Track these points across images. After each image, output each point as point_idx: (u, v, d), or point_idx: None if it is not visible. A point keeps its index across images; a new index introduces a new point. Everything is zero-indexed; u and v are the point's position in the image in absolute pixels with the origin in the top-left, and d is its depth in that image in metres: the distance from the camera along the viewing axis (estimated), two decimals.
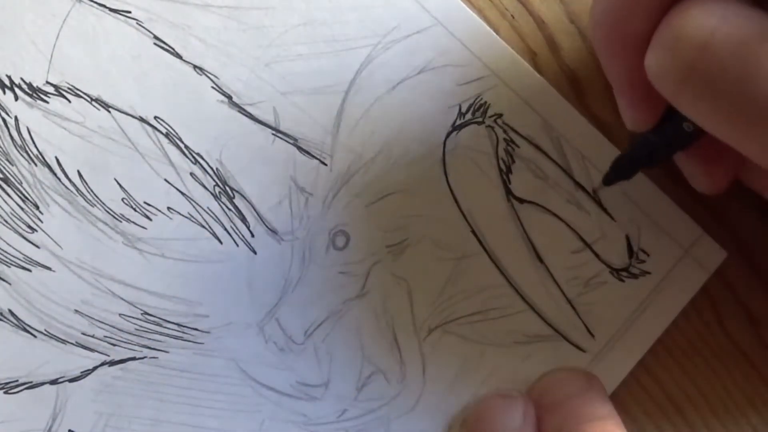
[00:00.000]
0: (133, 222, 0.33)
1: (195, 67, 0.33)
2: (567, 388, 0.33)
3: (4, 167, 0.33)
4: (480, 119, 0.34)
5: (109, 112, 0.33)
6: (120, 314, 0.33)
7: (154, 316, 0.34)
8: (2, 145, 0.33)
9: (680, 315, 0.35)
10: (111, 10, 0.33)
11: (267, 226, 0.34)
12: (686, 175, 0.33)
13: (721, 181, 0.32)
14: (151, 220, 0.33)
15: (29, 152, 0.33)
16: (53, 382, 0.33)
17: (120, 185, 0.33)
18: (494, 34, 0.34)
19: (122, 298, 0.33)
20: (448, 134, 0.34)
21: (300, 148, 0.34)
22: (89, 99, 0.33)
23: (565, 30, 0.34)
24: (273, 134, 0.34)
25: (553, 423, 0.32)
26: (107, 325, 0.33)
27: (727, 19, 0.25)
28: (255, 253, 0.34)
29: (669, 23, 0.26)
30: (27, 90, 0.33)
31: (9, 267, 0.33)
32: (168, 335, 0.34)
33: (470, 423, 0.34)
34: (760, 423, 0.35)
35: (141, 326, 0.34)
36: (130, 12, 0.33)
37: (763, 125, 0.25)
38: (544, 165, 0.34)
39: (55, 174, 0.33)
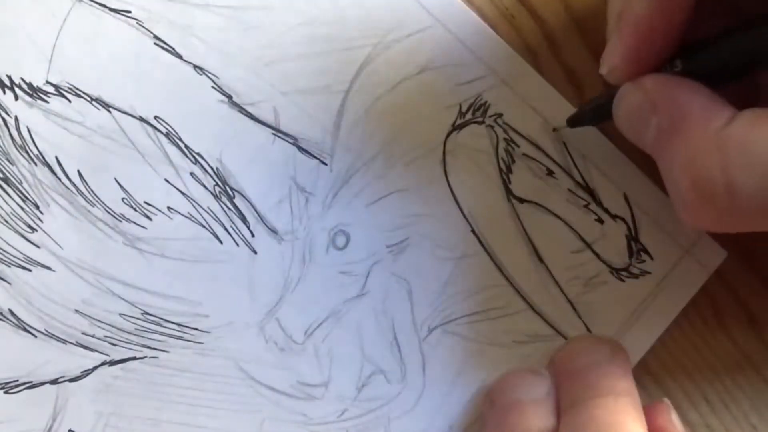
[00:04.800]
0: (133, 222, 0.33)
1: (195, 66, 0.33)
2: (590, 356, 0.33)
3: (4, 167, 0.33)
4: (480, 119, 0.34)
5: (110, 111, 0.33)
6: (120, 314, 0.33)
7: (155, 316, 0.34)
8: (2, 145, 0.33)
9: (680, 315, 0.35)
10: (111, 9, 0.33)
11: (267, 226, 0.34)
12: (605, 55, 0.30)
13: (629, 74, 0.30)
14: (151, 219, 0.33)
15: (29, 152, 0.33)
16: (53, 382, 0.33)
17: (120, 185, 0.33)
18: (494, 33, 0.34)
19: (122, 298, 0.33)
20: (449, 134, 0.34)
21: (300, 148, 0.34)
22: (89, 99, 0.33)
23: (565, 29, 0.34)
24: (273, 134, 0.34)
25: (570, 392, 0.32)
26: (107, 324, 0.33)
27: None
28: (255, 252, 0.34)
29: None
30: (27, 90, 0.33)
31: (9, 267, 0.33)
32: (168, 335, 0.34)
33: (494, 393, 0.33)
34: (761, 423, 0.35)
35: (141, 326, 0.34)
36: (130, 12, 0.33)
37: None
38: (544, 164, 0.34)
39: (55, 174, 0.33)
